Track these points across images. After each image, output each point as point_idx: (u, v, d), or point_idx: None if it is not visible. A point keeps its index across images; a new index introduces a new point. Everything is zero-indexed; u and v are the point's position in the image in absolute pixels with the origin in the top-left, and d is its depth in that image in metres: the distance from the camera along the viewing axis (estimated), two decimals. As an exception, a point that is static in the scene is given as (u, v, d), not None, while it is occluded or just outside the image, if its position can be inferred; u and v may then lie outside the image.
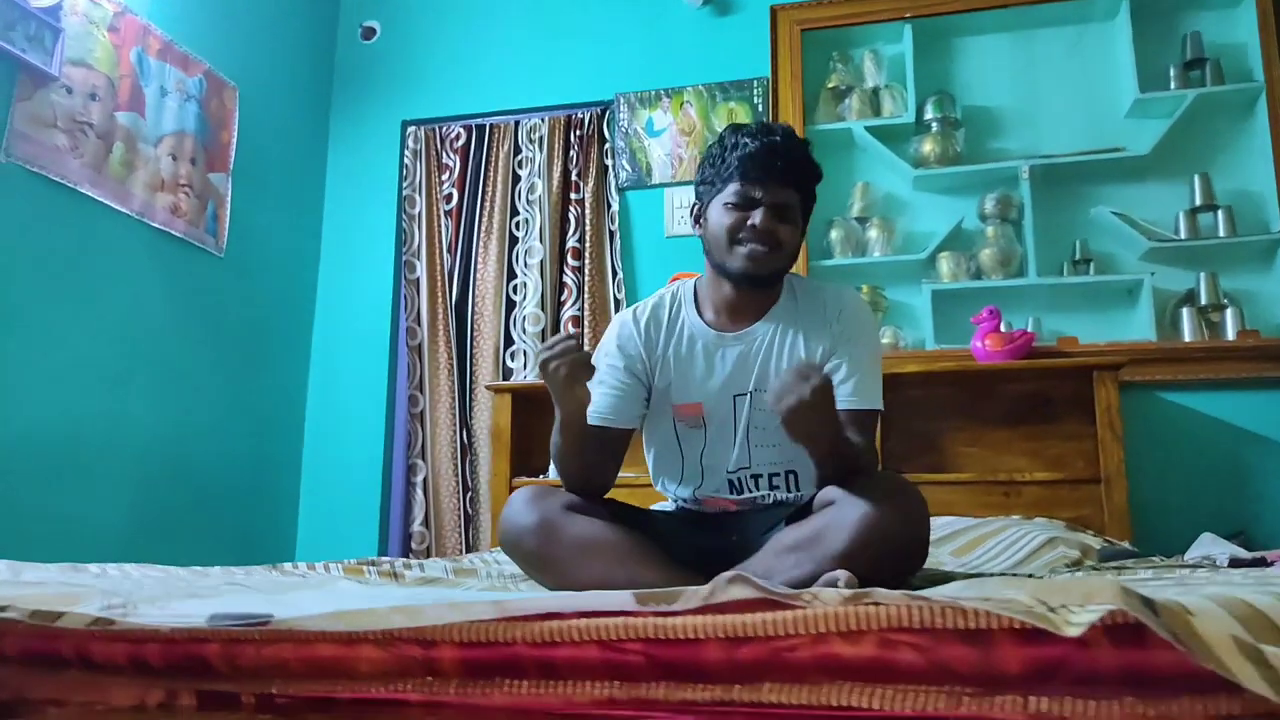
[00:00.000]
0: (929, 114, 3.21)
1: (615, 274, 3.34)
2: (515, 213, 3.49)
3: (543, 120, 3.53)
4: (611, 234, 3.37)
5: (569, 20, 3.58)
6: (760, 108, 3.34)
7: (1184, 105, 2.99)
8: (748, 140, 1.61)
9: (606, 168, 3.43)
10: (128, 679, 0.75)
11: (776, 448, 1.67)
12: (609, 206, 3.40)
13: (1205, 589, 0.66)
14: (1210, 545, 2.20)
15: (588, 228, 3.36)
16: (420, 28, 3.75)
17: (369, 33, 3.81)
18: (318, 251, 3.67)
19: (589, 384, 1.62)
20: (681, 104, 3.41)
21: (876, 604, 0.63)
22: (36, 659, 0.77)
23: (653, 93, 3.44)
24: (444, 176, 3.60)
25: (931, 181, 3.20)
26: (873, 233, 3.20)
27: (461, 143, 3.59)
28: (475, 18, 3.69)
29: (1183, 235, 2.98)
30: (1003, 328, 2.93)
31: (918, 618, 0.62)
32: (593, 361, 1.74)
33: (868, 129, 3.24)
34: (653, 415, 1.77)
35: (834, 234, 3.21)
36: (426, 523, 3.39)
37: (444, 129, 3.64)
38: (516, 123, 3.56)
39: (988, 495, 2.69)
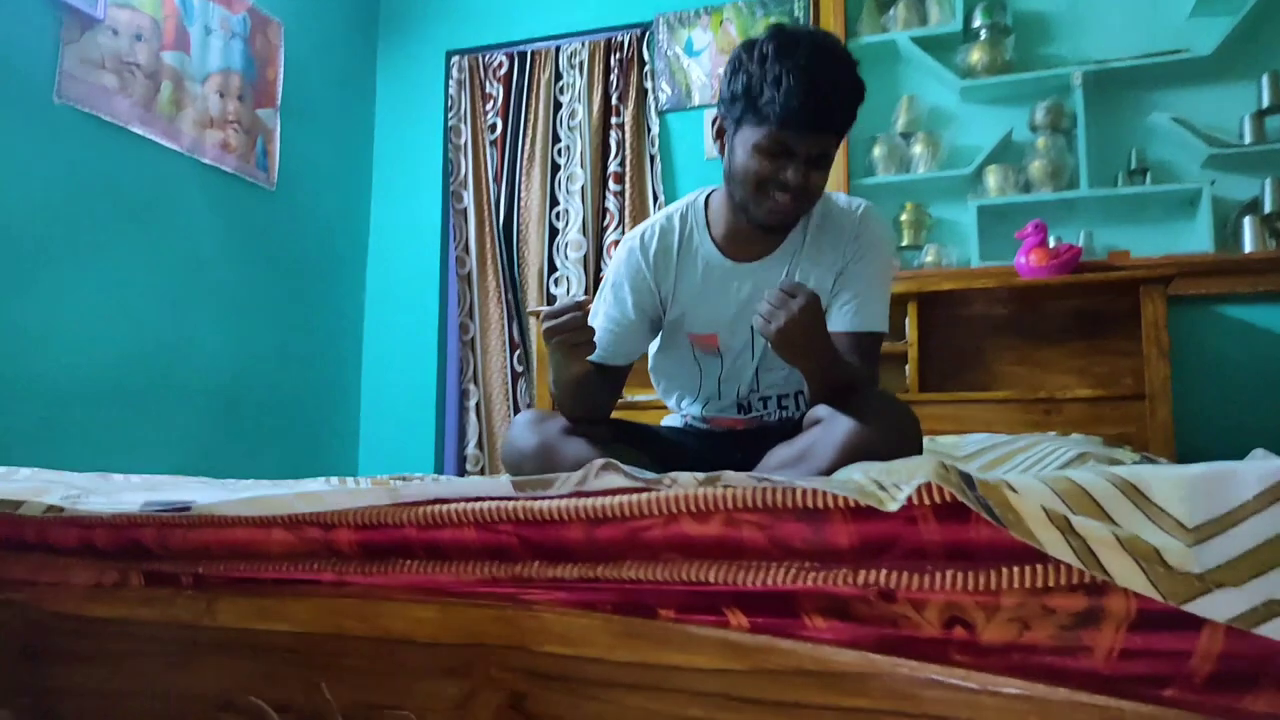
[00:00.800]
0: (977, 21, 3.08)
1: (656, 198, 3.34)
2: (557, 140, 3.50)
3: (583, 45, 3.51)
4: (652, 158, 3.36)
5: (608, -60, 3.53)
6: (801, 21, 3.25)
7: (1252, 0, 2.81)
8: (792, 79, 1.37)
9: (646, 91, 3.41)
10: (84, 562, 0.83)
11: (786, 372, 1.67)
12: (649, 130, 3.38)
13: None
14: (1262, 461, 2.13)
15: (628, 152, 3.36)
16: (462, -45, 3.75)
17: (412, -37, 3.82)
18: (368, 183, 3.76)
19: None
20: (721, 21, 3.35)
21: (725, 487, 0.66)
22: (8, 544, 0.85)
23: (691, 11, 3.38)
24: (488, 106, 3.62)
25: (979, 92, 3.09)
26: (917, 148, 3.11)
27: (504, 71, 3.60)
28: (515, -58, 3.67)
29: (1248, 140, 2.82)
30: (1052, 242, 2.85)
31: (760, 499, 0.64)
32: (600, 290, 1.75)
33: (913, 39, 3.13)
34: (668, 339, 1.74)
35: (877, 150, 3.14)
36: (480, 445, 3.50)
37: (487, 58, 3.65)
38: (557, 48, 3.56)
39: (1027, 413, 2.65)
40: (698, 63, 3.36)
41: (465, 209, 3.61)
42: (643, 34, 3.44)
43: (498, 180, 3.57)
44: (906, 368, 2.80)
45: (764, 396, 1.74)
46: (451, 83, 3.70)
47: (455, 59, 3.71)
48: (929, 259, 3.04)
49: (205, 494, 0.80)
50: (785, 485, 0.63)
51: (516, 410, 3.46)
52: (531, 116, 3.54)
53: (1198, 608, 0.53)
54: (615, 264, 1.73)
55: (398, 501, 0.73)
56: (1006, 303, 2.86)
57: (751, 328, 1.61)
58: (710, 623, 0.66)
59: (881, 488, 0.61)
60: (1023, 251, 2.80)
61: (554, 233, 3.46)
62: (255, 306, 3.16)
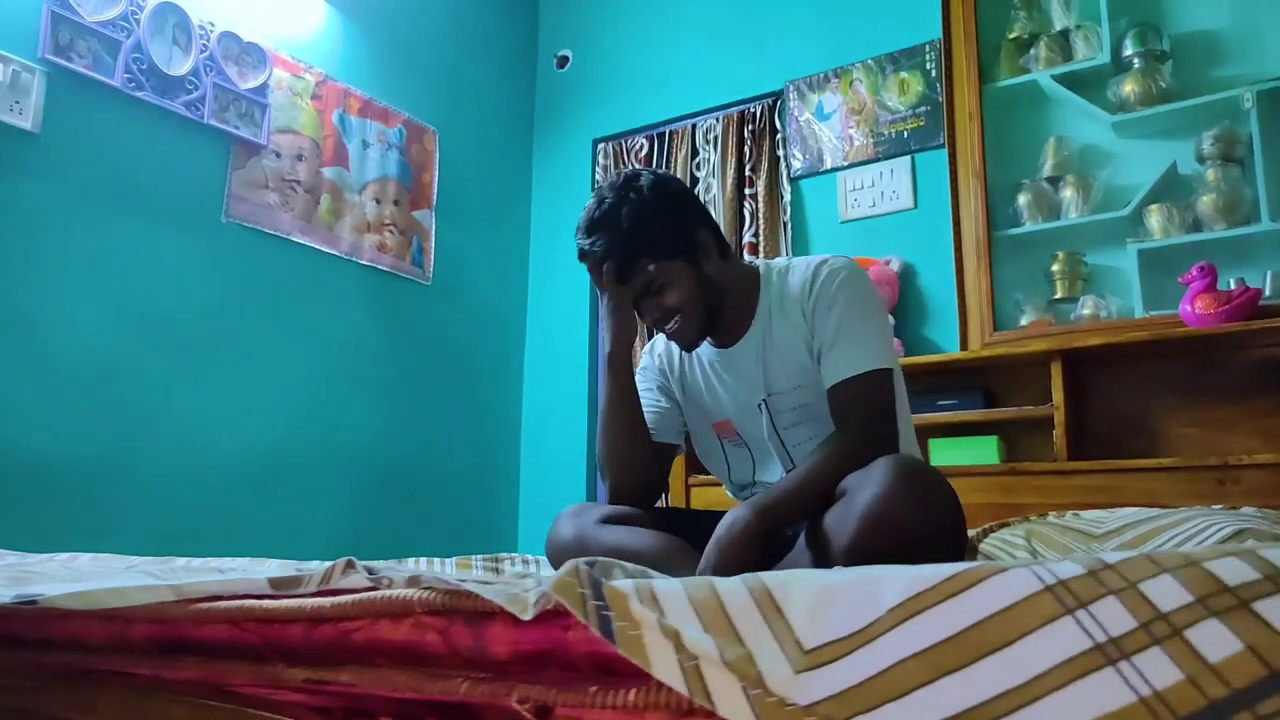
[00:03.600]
0: (1128, 50, 2.82)
1: (792, 266, 3.27)
2: (694, 215, 3.52)
3: (717, 120, 3.54)
4: (785, 225, 3.30)
5: (739, 16, 3.57)
6: (934, 74, 3.12)
7: None
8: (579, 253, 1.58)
9: (779, 159, 3.37)
10: (27, 650, 0.91)
11: (813, 439, 1.58)
12: (781, 198, 3.33)
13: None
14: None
15: (762, 222, 3.32)
16: (606, 49, 3.92)
17: (563, 61, 4.03)
18: (525, 269, 3.95)
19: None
20: (850, 82, 3.27)
21: (425, 589, 0.63)
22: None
23: (821, 75, 3.33)
24: (630, 188, 3.71)
25: (1135, 126, 2.81)
26: (1067, 192, 2.86)
27: (644, 153, 3.70)
28: (654, 30, 3.79)
29: None
30: (1232, 284, 2.51)
31: (440, 602, 0.60)
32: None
33: (1056, 78, 2.91)
34: (696, 433, 1.76)
35: (1021, 198, 2.92)
36: (630, 522, 3.51)
37: (629, 141, 3.76)
38: (693, 126, 3.61)
39: (1198, 483, 2.31)
40: (828, 126, 3.29)
41: (612, 289, 3.69)
42: (774, 103, 3.42)
43: (640, 259, 3.63)
44: (1053, 434, 2.53)
45: None
46: (598, 169, 3.83)
47: (601, 145, 3.85)
48: (1086, 311, 2.77)
49: (76, 584, 0.86)
50: (455, 587, 0.60)
51: (665, 487, 3.45)
52: (669, 195, 3.59)
53: (800, 747, 0.44)
54: (640, 363, 1.82)
55: (181, 598, 0.75)
56: (1172, 357, 2.54)
57: (756, 407, 1.61)
58: (422, 733, 0.63)
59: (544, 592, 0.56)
60: (1187, 298, 2.48)
61: (691, 307, 3.46)
62: (411, 392, 3.37)
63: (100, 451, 2.46)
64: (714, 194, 3.46)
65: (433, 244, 3.52)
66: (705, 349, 1.67)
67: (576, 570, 0.54)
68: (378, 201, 3.32)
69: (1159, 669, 0.39)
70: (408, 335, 3.39)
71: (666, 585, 0.53)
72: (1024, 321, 2.84)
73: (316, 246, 3.09)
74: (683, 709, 0.51)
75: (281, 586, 0.71)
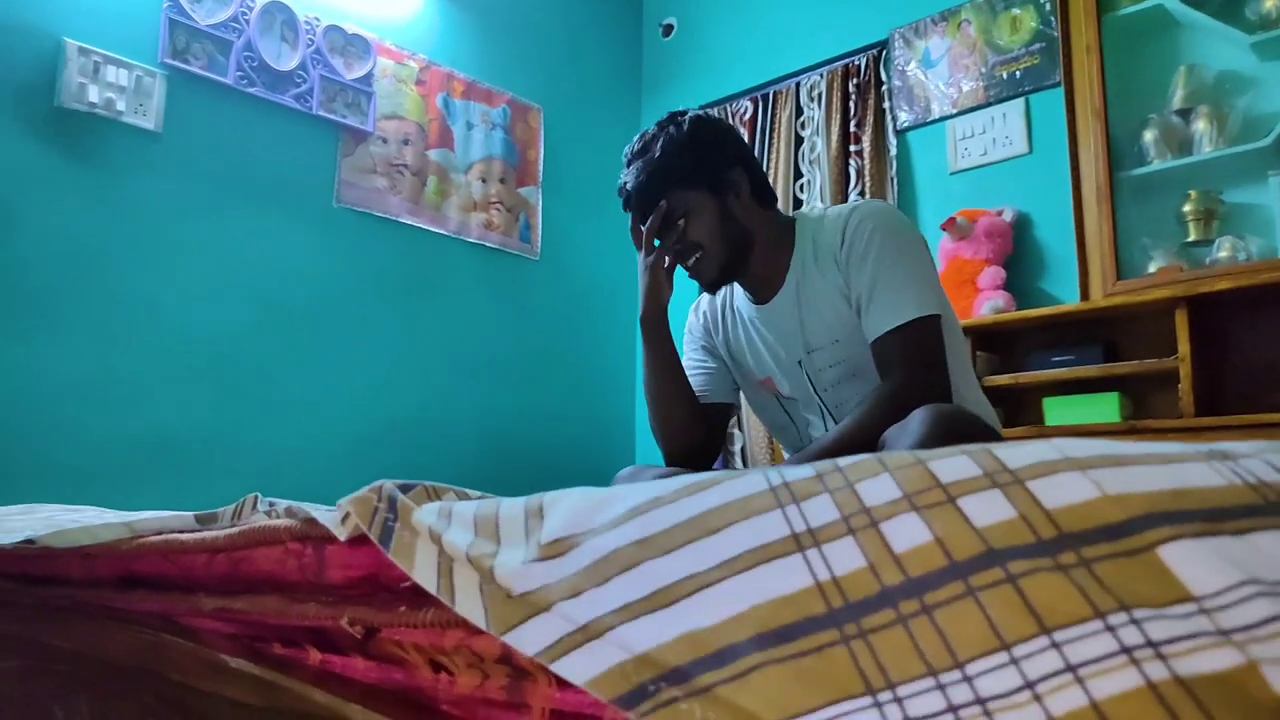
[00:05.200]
0: (1269, -40, 2.54)
1: (901, 222, 3.14)
2: (799, 175, 3.44)
3: (821, 76, 3.43)
4: (892, 180, 3.17)
5: (841, -34, 3.44)
6: (1048, 7, 2.91)
7: None
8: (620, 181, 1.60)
9: (884, 111, 3.23)
10: (40, 587, 1.00)
11: (854, 396, 1.52)
12: (887, 152, 3.20)
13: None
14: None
15: (868, 180, 3.20)
16: (709, 13, 3.86)
17: (668, 30, 4.01)
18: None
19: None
20: (959, 24, 3.09)
21: (303, 520, 0.64)
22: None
23: (927, 20, 3.17)
24: (735, 152, 3.66)
25: (1279, 46, 2.53)
26: (1200, 124, 2.61)
27: (749, 115, 3.63)
28: (757, -11, 3.71)
29: None
30: (1395, 216, 2.24)
31: (299, 530, 0.62)
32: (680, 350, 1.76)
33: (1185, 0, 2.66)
34: (750, 395, 1.72)
35: (1148, 136, 2.68)
36: (743, 491, 3.48)
37: (734, 105, 3.70)
38: (797, 84, 3.51)
39: (1344, 436, 2.08)
40: (935, 73, 3.12)
41: (721, 256, 3.65)
42: (879, 53, 3.29)
43: (748, 224, 3.58)
44: (1179, 387, 2.33)
45: None
46: (704, 136, 3.79)
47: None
48: (1223, 254, 2.52)
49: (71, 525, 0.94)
50: (308, 514, 0.61)
51: (774, 453, 3.41)
52: (774, 156, 3.51)
53: (514, 637, 0.43)
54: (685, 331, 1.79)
55: (133, 534, 0.80)
56: (1319, 298, 2.29)
57: (797, 364, 1.57)
58: (301, 658, 0.65)
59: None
60: (1335, 232, 2.23)
61: (797, 270, 3.38)
62: (527, 367, 3.45)
63: (224, 428, 2.65)
64: (819, 153, 3.36)
65: (540, 220, 3.58)
66: (745, 305, 1.62)
67: (379, 488, 0.54)
68: (484, 181, 3.41)
69: (844, 557, 0.36)
70: (518, 310, 3.47)
71: (463, 504, 0.52)
72: (1152, 269, 2.62)
73: (425, 227, 3.21)
74: (470, 628, 0.50)
75: (204, 522, 0.75)
